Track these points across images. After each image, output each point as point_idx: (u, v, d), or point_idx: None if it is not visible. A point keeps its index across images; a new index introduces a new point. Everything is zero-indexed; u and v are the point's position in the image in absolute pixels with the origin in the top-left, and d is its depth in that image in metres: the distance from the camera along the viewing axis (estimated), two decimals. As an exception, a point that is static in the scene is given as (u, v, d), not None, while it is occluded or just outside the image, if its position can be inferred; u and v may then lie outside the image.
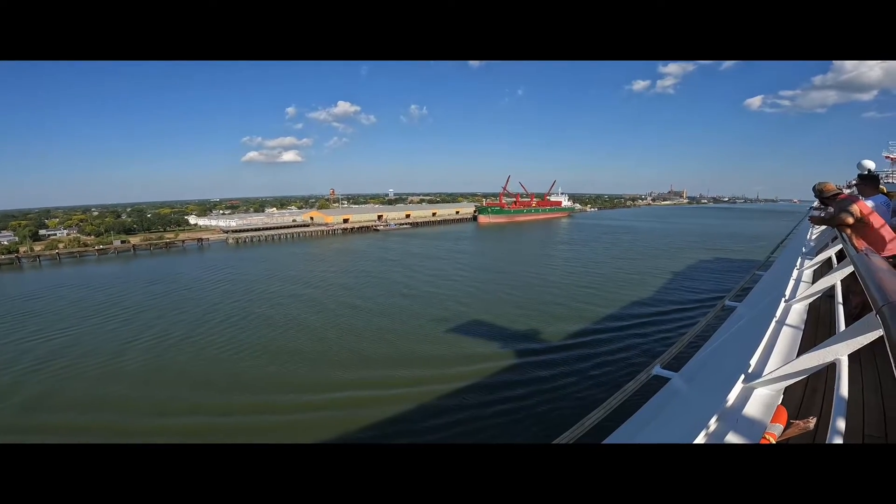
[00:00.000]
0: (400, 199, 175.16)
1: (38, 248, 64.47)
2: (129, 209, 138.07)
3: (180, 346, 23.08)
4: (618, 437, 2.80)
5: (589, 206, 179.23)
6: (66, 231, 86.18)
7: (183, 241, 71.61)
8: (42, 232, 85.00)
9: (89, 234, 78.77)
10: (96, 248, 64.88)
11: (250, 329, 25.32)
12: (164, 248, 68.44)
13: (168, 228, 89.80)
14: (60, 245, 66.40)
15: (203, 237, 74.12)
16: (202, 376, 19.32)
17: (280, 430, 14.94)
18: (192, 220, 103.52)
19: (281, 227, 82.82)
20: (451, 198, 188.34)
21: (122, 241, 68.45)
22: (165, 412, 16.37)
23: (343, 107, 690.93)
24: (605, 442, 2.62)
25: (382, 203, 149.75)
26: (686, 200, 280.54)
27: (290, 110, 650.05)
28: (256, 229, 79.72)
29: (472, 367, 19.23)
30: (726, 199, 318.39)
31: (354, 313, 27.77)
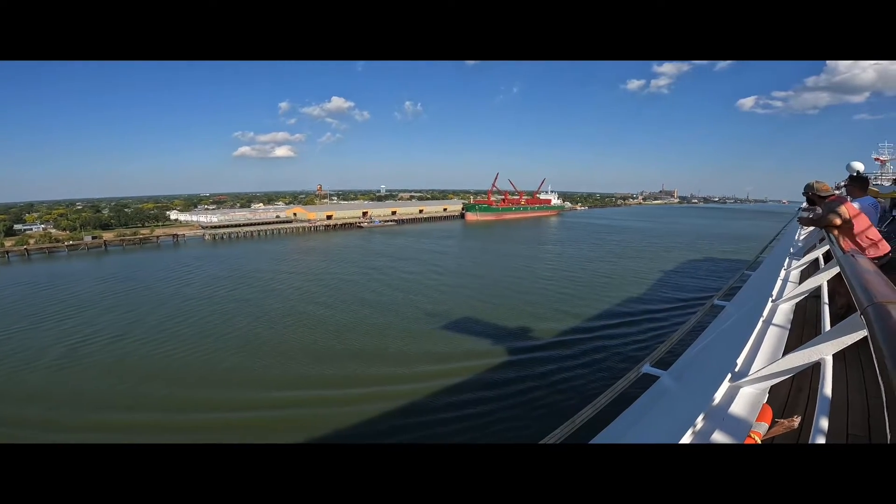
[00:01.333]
0: (390, 196, 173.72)
1: (8, 243, 62.61)
2: (112, 203, 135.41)
3: (107, 348, 22.30)
4: (607, 435, 2.80)
5: (579, 204, 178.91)
6: (42, 226, 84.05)
7: (158, 237, 69.90)
8: (18, 227, 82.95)
9: (64, 230, 76.94)
10: (66, 243, 63.10)
11: (182, 334, 24.14)
12: (138, 244, 66.75)
13: (146, 224, 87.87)
14: (31, 241, 64.60)
15: (179, 233, 72.43)
16: (116, 378, 18.77)
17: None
18: (174, 215, 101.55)
19: (261, 224, 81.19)
20: (441, 195, 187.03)
21: (94, 237, 66.65)
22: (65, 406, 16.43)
23: (337, 102, 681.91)
24: (594, 439, 2.63)
25: (372, 199, 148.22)
26: (677, 200, 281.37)
27: (283, 105, 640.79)
28: (236, 225, 78.07)
29: (429, 372, 18.32)
30: (716, 199, 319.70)
31: (297, 322, 26.00)
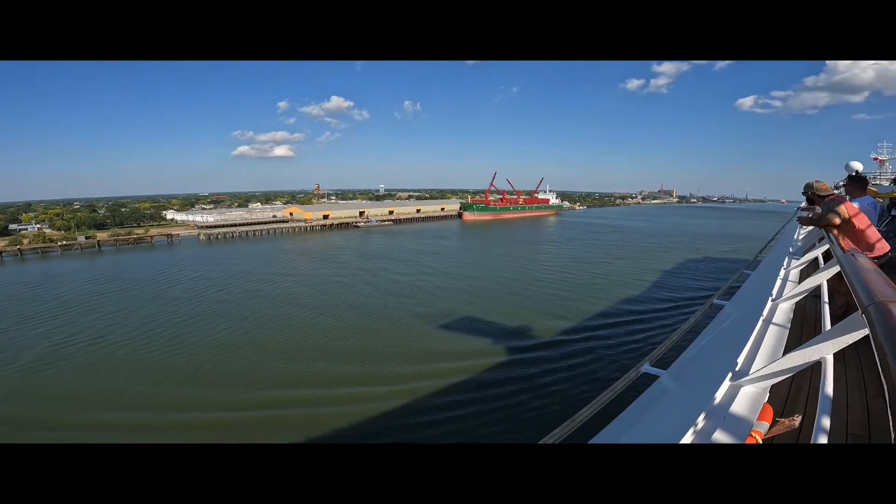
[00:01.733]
0: (388, 195, 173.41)
1: (2, 243, 62.23)
2: (110, 203, 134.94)
3: (89, 348, 22.07)
4: (606, 434, 2.80)
5: (577, 204, 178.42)
6: (37, 226, 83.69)
7: (152, 236, 69.52)
8: (13, 226, 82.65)
9: (59, 229, 76.60)
10: (60, 243, 62.74)
11: (165, 335, 23.81)
12: (132, 244, 66.35)
13: (142, 223, 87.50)
14: (25, 241, 64.24)
15: (173, 233, 72.03)
16: (95, 377, 18.69)
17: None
18: (170, 215, 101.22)
19: (257, 223, 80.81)
20: (440, 194, 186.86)
21: (87, 237, 66.24)
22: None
23: (336, 102, 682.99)
24: (593, 439, 2.65)
25: (370, 199, 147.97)
26: (676, 199, 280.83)
27: (283, 104, 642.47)
28: (232, 225, 77.69)
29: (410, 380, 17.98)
30: (715, 199, 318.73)
31: (282, 324, 25.32)
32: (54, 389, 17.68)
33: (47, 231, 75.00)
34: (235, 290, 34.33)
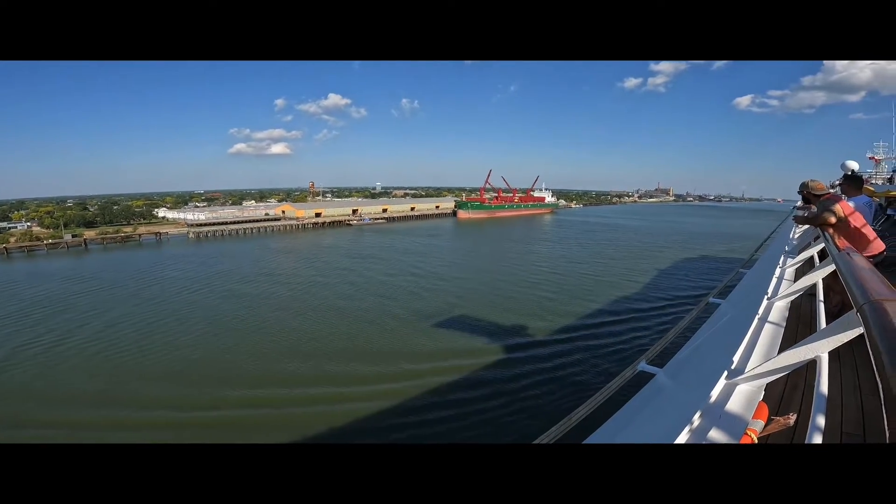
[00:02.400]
0: (385, 193, 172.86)
1: (-11, 241, 61.39)
2: (103, 200, 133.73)
3: (55, 349, 21.65)
4: (602, 433, 2.82)
5: (574, 202, 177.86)
6: (27, 224, 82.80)
7: (140, 235, 68.69)
8: (2, 224, 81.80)
9: (48, 227, 75.69)
10: (46, 242, 61.90)
11: (127, 338, 23.21)
12: (120, 243, 65.52)
13: (132, 221, 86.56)
14: (12, 239, 63.37)
15: (162, 231, 71.21)
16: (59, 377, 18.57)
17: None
18: (162, 212, 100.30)
19: (248, 221, 79.96)
20: (436, 192, 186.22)
21: (74, 236, 65.40)
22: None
23: (334, 99, 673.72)
24: (589, 438, 2.66)
25: (366, 196, 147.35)
26: (672, 198, 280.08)
27: (280, 102, 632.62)
28: (222, 223, 76.81)
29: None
30: (712, 198, 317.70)
31: (254, 326, 24.84)
32: (20, 388, 17.44)
33: (35, 229, 74.04)
34: (216, 290, 33.75)
